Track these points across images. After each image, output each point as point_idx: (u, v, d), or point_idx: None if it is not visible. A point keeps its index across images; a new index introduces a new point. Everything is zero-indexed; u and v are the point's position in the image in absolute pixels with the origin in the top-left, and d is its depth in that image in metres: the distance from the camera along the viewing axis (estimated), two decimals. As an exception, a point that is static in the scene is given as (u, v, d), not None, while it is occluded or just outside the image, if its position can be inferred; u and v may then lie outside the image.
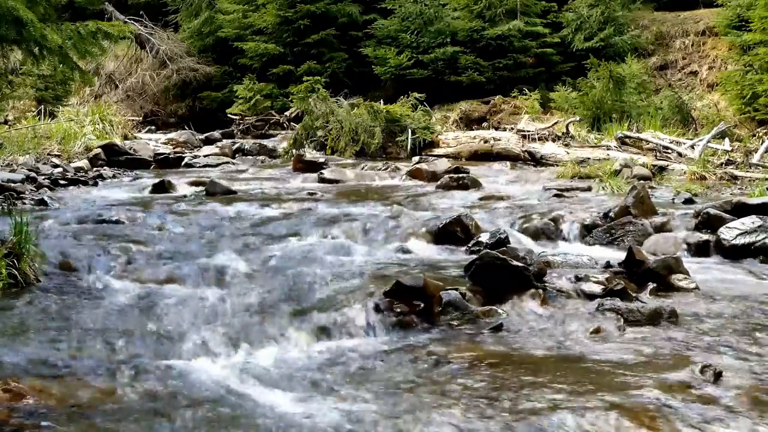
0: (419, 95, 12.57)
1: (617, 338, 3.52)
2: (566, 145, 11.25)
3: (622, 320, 3.68)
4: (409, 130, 11.75)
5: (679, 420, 2.61)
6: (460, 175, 8.53)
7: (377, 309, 3.78)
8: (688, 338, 3.51)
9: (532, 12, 16.02)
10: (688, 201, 6.93)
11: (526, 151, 11.13)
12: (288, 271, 4.62)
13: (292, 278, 4.46)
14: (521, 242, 5.48)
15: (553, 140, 11.68)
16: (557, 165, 10.10)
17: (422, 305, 3.81)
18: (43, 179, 8.19)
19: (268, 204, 6.94)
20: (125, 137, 12.71)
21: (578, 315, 3.82)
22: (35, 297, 4.03)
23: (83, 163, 9.85)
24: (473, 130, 13.27)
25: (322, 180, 9.01)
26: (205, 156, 11.51)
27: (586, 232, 5.76)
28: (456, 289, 3.91)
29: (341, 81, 16.14)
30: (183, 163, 10.87)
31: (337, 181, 8.94)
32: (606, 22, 15.41)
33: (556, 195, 7.48)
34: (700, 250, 5.22)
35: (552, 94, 14.09)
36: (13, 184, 7.39)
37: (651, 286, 4.27)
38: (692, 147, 9.83)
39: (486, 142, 11.45)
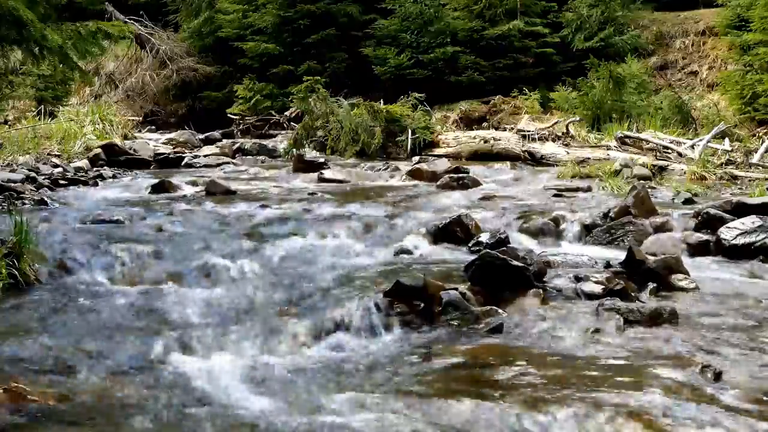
0: (419, 95, 12.56)
1: (617, 338, 3.52)
2: (566, 145, 11.25)
3: (622, 320, 3.67)
4: (409, 130, 11.74)
5: (679, 420, 2.61)
6: (460, 175, 8.53)
7: (377, 309, 3.78)
8: (688, 338, 3.51)
9: (532, 12, 16.03)
10: (688, 201, 6.92)
11: (526, 151, 11.13)
12: (288, 271, 4.62)
13: (292, 278, 4.46)
14: (521, 242, 5.48)
15: (553, 140, 11.68)
16: (557, 165, 10.09)
17: (422, 305, 3.81)
18: (43, 179, 8.17)
19: (268, 204, 6.93)
20: (125, 137, 12.69)
21: (578, 315, 3.82)
22: (35, 297, 4.04)
23: (83, 163, 9.84)
24: (473, 130, 13.25)
25: (322, 180, 9.00)
26: (205, 156, 11.50)
27: (586, 232, 5.76)
28: (456, 289, 3.91)
29: (341, 81, 16.12)
30: (183, 163, 10.86)
31: (337, 181, 8.93)
32: (606, 22, 15.42)
33: (556, 195, 7.47)
34: (700, 250, 5.21)
35: (552, 94, 14.08)
36: (13, 184, 7.37)
37: (651, 286, 4.27)
38: (692, 147, 9.82)
39: (486, 142, 11.45)
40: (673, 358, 3.25)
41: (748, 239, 5.07)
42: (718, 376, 2.98)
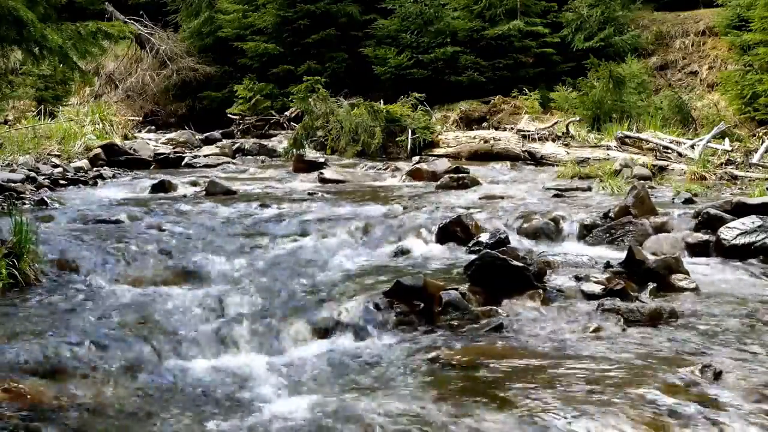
0: (419, 95, 12.57)
1: (617, 338, 3.52)
2: (566, 145, 11.25)
3: (622, 320, 3.68)
4: (409, 130, 11.75)
5: (678, 420, 2.61)
6: (460, 175, 8.53)
7: (377, 309, 3.78)
8: (688, 338, 3.51)
9: (532, 12, 16.04)
10: (688, 201, 6.92)
11: (526, 151, 11.13)
12: (288, 272, 4.62)
13: (292, 278, 4.46)
14: (521, 242, 5.49)
15: (553, 140, 11.68)
16: (557, 165, 10.10)
17: (422, 305, 3.82)
18: (43, 179, 8.18)
19: (267, 204, 6.93)
20: (125, 137, 12.69)
21: (578, 315, 3.82)
22: (35, 297, 4.04)
23: (83, 163, 9.84)
24: (473, 130, 13.27)
25: (322, 180, 9.01)
26: (205, 156, 11.51)
27: (586, 232, 5.75)
28: (456, 289, 3.91)
29: (341, 81, 16.12)
30: (183, 163, 10.87)
31: (337, 181, 8.94)
32: (606, 22, 15.43)
33: (556, 195, 7.48)
34: (700, 250, 5.21)
35: (552, 94, 14.09)
36: (13, 184, 7.38)
37: (651, 286, 4.27)
38: (692, 147, 9.82)
39: (486, 142, 11.45)
40: (673, 357, 3.25)
41: (748, 239, 5.06)
42: (718, 376, 2.98)
